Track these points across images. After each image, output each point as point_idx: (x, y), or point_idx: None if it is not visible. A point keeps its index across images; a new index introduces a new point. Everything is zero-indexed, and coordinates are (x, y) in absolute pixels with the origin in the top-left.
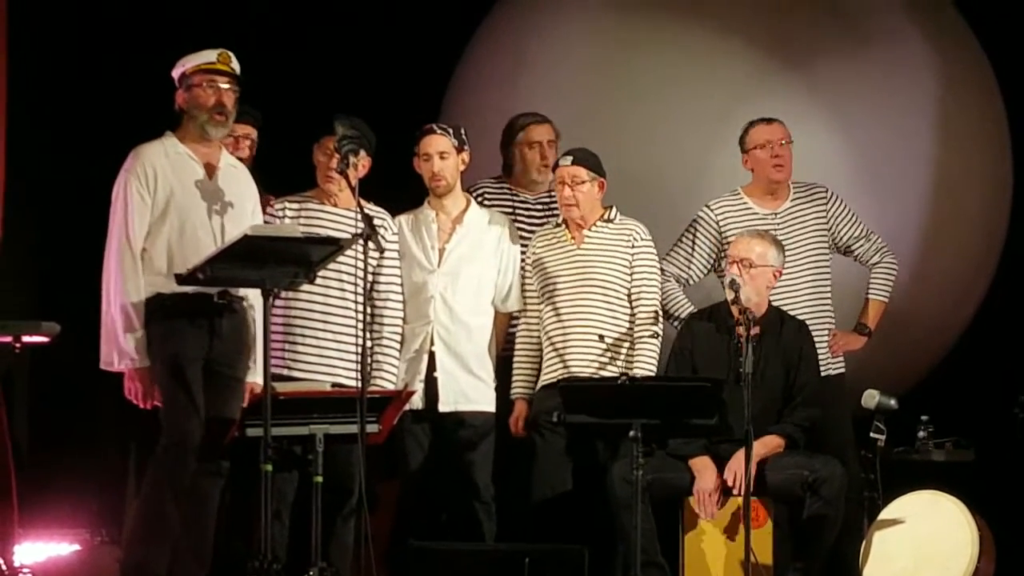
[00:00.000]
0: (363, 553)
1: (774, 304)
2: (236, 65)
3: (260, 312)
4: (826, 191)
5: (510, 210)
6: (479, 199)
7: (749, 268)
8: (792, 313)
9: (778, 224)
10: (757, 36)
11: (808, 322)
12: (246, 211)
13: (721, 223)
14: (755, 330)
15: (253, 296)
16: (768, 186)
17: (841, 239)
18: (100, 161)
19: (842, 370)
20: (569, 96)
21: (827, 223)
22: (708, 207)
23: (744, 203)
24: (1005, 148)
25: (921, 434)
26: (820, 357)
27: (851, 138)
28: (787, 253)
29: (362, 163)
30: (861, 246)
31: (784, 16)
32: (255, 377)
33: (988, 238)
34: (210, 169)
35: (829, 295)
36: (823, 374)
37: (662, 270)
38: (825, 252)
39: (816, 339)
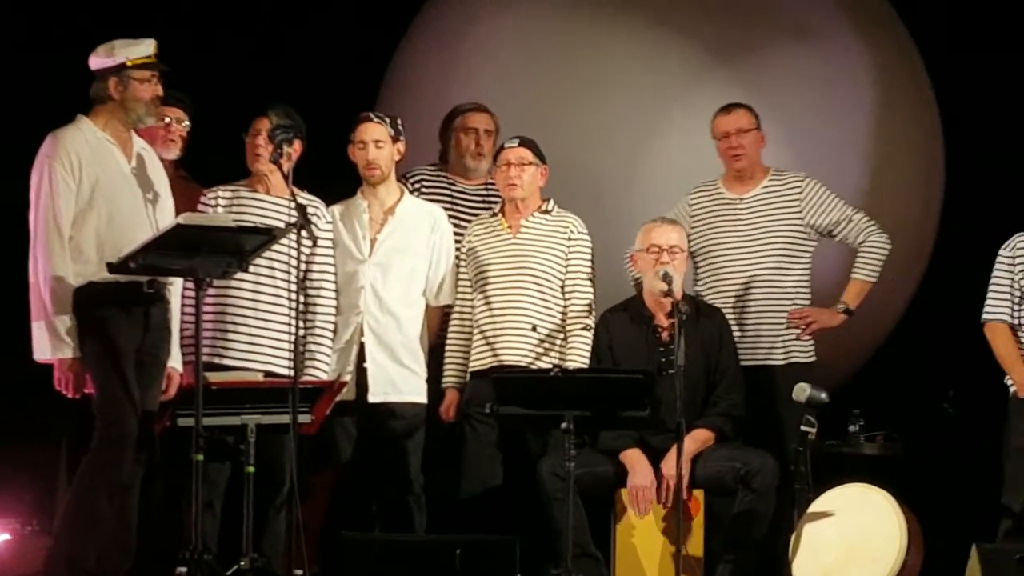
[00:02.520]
0: (294, 544)
1: (714, 288)
2: None
3: (178, 298)
4: (803, 179)
5: (447, 199)
6: (416, 186)
7: (678, 254)
8: (748, 299)
9: (743, 209)
10: (693, 29)
11: (766, 309)
12: (164, 193)
13: (692, 211)
14: (672, 320)
15: (173, 284)
16: (734, 174)
17: (821, 225)
18: (21, 145)
19: (802, 360)
20: (505, 88)
21: (799, 210)
22: (687, 195)
23: (716, 189)
24: (937, 143)
25: (852, 428)
26: (773, 343)
27: (786, 130)
28: (748, 239)
29: (294, 149)
30: (843, 229)
31: (720, 10)
32: (174, 362)
33: (919, 232)
34: (128, 153)
35: (799, 282)
36: (777, 363)
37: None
38: (794, 239)
39: (774, 327)
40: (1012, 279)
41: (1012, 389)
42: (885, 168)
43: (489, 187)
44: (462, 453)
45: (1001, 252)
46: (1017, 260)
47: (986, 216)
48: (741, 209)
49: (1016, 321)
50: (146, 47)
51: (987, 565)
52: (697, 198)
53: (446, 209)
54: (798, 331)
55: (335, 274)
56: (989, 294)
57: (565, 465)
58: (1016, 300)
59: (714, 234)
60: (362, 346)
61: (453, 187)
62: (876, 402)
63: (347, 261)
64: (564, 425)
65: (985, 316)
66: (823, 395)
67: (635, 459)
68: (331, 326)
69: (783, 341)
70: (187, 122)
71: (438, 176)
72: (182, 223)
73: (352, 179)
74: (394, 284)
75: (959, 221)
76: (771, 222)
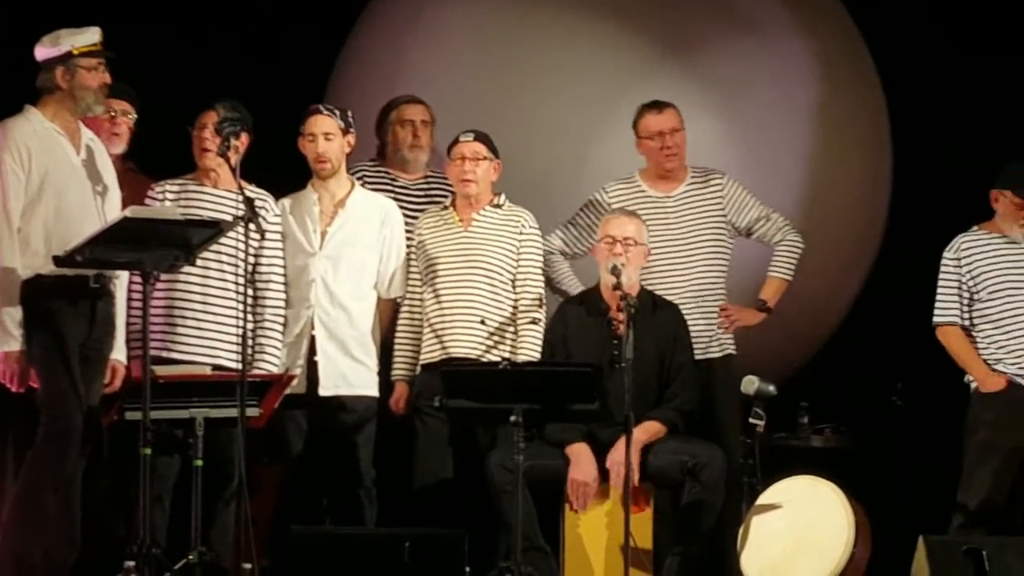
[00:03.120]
0: (243, 537)
1: (648, 286)
2: None
3: (124, 292)
4: (723, 176)
5: (389, 194)
6: (358, 182)
7: (633, 246)
8: (684, 296)
9: (670, 207)
10: (641, 23)
11: (700, 305)
12: (112, 185)
13: (614, 207)
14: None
15: (119, 277)
16: (661, 172)
17: (741, 223)
18: None
19: (732, 351)
20: (454, 82)
21: (723, 208)
22: (604, 190)
23: (638, 187)
24: (884, 136)
25: (800, 420)
26: (710, 338)
27: (733, 124)
28: (679, 237)
29: (241, 142)
30: (762, 227)
31: (669, 4)
32: (118, 354)
33: (867, 224)
34: (76, 144)
35: (723, 278)
36: (715, 355)
37: (547, 243)
38: (720, 236)
39: (708, 322)
40: (960, 281)
41: (973, 386)
42: (832, 163)
43: (430, 180)
44: (413, 447)
45: (945, 255)
46: (963, 261)
47: (933, 210)
48: (669, 208)
49: (967, 322)
50: (91, 35)
51: (934, 557)
52: (617, 196)
53: None
54: (724, 325)
55: (284, 267)
56: (938, 298)
57: (514, 458)
58: (965, 301)
59: None
60: (313, 339)
61: (395, 182)
62: (824, 395)
63: (298, 254)
64: (513, 418)
65: (936, 320)
66: (771, 388)
67: (579, 453)
68: (280, 319)
69: (716, 335)
70: (133, 114)
71: (378, 171)
72: (129, 216)
73: (302, 172)
74: (345, 277)
75: (907, 215)
76: (700, 220)
